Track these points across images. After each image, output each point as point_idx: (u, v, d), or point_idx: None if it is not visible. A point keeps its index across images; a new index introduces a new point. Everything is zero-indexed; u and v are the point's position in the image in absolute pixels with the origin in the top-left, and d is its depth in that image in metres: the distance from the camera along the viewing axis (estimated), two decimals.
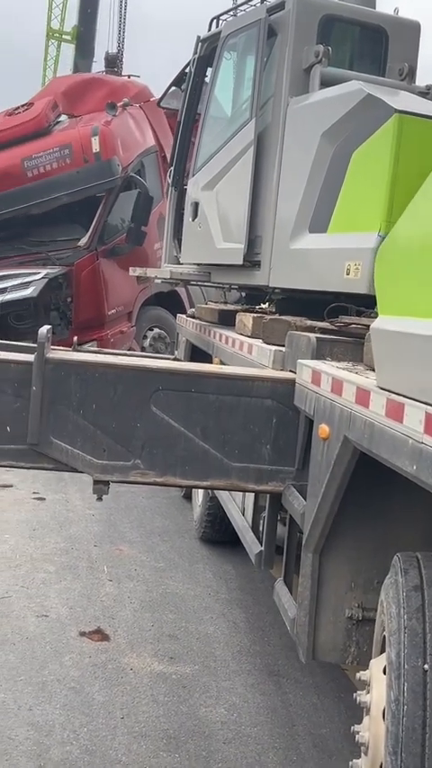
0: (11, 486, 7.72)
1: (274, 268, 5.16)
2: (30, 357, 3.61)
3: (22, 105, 11.35)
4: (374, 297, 3.06)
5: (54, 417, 3.63)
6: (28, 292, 9.68)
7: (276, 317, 4.70)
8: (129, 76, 13.50)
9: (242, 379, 3.74)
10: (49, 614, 4.97)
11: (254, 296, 6.81)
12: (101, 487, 3.76)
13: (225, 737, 3.84)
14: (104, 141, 10.41)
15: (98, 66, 16.98)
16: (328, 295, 4.40)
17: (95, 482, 3.75)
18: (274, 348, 4.20)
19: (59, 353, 3.83)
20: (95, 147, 10.39)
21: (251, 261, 5.40)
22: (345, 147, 4.30)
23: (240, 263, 5.42)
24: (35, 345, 3.66)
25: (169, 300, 12.01)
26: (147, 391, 3.67)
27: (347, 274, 4.05)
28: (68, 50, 23.37)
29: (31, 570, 5.65)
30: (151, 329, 12.05)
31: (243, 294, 7.02)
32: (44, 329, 3.66)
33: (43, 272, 9.99)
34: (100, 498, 3.82)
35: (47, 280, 9.87)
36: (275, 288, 5.29)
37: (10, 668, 4.28)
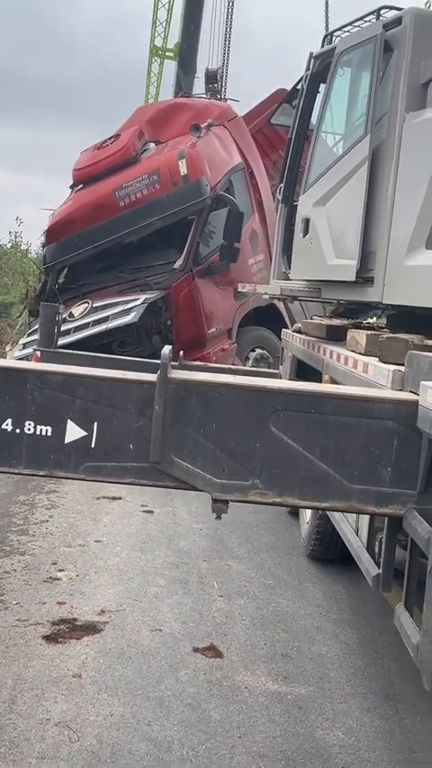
0: (120, 498, 7.86)
1: (388, 284, 5.11)
2: (152, 377, 3.66)
3: (110, 138, 11.58)
4: None
5: (175, 436, 3.67)
6: (129, 318, 9.80)
7: (393, 335, 4.64)
8: (227, 100, 13.62)
9: (363, 400, 3.69)
10: (162, 629, 5.03)
11: (355, 309, 6.76)
12: (220, 506, 3.77)
13: (344, 761, 3.81)
14: (191, 163, 10.49)
15: (201, 82, 17.20)
16: None
17: (214, 501, 3.77)
18: (392, 368, 4.14)
19: (181, 374, 3.87)
20: (183, 169, 10.49)
21: (364, 277, 5.36)
22: None
23: (353, 279, 5.39)
24: (157, 362, 3.72)
25: (268, 317, 12.00)
26: (266, 411, 3.67)
27: None
28: (171, 67, 23.77)
29: (143, 583, 5.73)
30: (253, 350, 12.04)
31: (343, 308, 6.96)
32: (167, 349, 3.72)
33: (142, 297, 10.10)
34: (219, 517, 3.83)
35: (146, 304, 9.95)
36: (389, 304, 5.23)
37: (127, 682, 4.35)
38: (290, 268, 6.75)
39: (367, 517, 4.48)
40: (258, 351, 12.10)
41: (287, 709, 4.24)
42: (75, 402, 3.65)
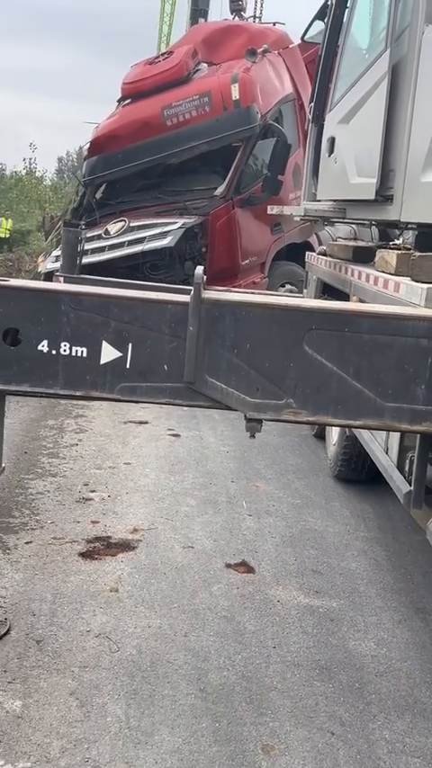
0: (147, 422, 7.95)
1: (406, 202, 5.03)
2: (186, 298, 3.67)
3: (162, 54, 11.30)
4: None
5: (209, 356, 3.69)
6: (166, 242, 9.69)
7: (425, 253, 4.60)
8: (274, 23, 13.18)
9: (398, 319, 3.68)
10: (194, 546, 5.15)
11: (387, 235, 6.68)
12: (254, 425, 3.81)
13: (377, 670, 3.93)
14: (244, 88, 10.23)
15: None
16: None
17: (248, 420, 3.80)
18: (426, 286, 4.12)
19: (214, 294, 3.87)
20: (235, 94, 10.22)
21: (384, 195, 5.28)
22: None
23: (373, 197, 5.31)
24: (190, 288, 3.72)
25: (302, 254, 11.88)
26: (300, 331, 3.67)
27: None
28: None
29: (173, 503, 5.84)
30: (283, 285, 11.93)
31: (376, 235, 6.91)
32: (200, 269, 3.72)
33: (180, 221, 9.97)
34: (253, 436, 3.86)
35: (184, 229, 9.82)
36: (408, 223, 5.17)
37: (163, 596, 4.48)
38: (317, 188, 6.65)
39: (397, 436, 4.52)
40: (288, 286, 12.00)
41: (319, 621, 4.36)
42: (109, 323, 3.67)
